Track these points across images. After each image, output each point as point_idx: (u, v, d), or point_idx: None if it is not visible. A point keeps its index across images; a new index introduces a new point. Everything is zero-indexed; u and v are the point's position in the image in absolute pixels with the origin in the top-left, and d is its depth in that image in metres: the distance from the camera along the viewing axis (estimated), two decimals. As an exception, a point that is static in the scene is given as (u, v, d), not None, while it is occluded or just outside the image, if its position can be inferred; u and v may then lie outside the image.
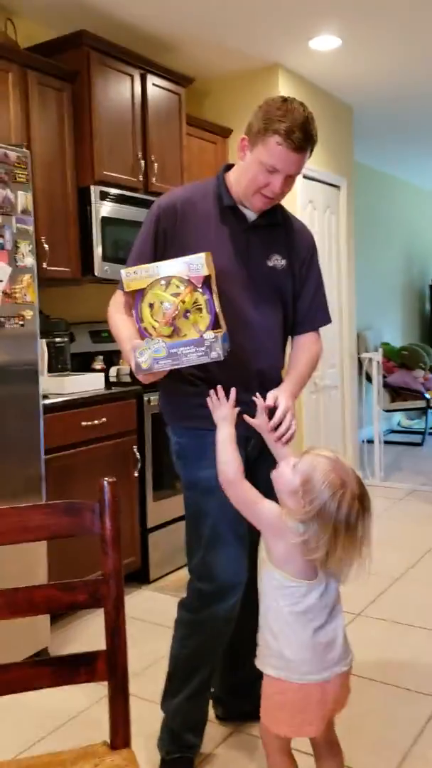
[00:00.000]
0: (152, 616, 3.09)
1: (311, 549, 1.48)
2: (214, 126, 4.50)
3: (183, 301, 1.71)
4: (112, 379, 3.75)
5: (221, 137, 4.58)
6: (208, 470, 1.77)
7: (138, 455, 3.38)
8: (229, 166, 2.07)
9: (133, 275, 1.75)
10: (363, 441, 5.73)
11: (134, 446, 3.37)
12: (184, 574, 3.53)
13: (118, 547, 1.35)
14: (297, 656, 1.57)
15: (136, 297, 1.76)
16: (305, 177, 4.70)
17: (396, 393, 6.55)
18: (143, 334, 1.76)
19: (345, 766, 1.73)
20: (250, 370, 1.95)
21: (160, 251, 1.93)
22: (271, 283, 2.01)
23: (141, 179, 3.74)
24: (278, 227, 2.05)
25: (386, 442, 5.81)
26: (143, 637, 2.90)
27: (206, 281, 1.72)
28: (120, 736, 1.33)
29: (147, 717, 2.32)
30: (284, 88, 4.46)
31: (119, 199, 3.60)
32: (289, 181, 1.93)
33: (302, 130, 1.85)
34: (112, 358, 3.93)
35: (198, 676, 2.02)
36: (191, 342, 1.71)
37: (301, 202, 4.65)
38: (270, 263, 2.02)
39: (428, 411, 6.52)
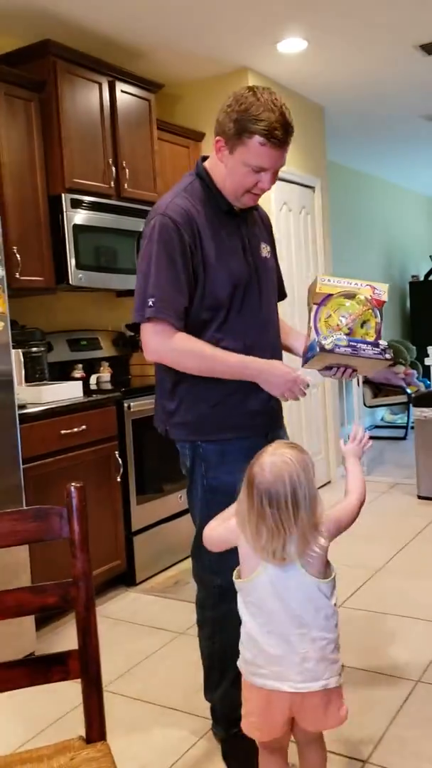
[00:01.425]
0: (139, 618, 3.13)
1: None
2: (186, 130, 4.55)
3: (362, 314, 1.94)
4: (93, 387, 3.79)
5: (194, 141, 4.62)
6: (231, 476, 1.73)
7: (120, 460, 3.41)
8: (204, 158, 2.04)
9: (327, 281, 1.97)
10: (347, 437, 5.78)
11: (116, 452, 3.40)
12: (170, 575, 3.59)
13: (86, 549, 1.38)
14: (247, 654, 1.63)
15: (322, 299, 1.96)
16: (279, 179, 4.73)
17: (378, 389, 6.62)
18: (317, 332, 1.97)
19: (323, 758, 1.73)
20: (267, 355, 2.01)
21: (190, 269, 1.89)
22: (270, 274, 2.09)
23: (113, 186, 3.78)
24: (251, 213, 2.10)
25: (370, 437, 5.86)
26: (130, 638, 2.94)
27: (381, 306, 1.95)
28: (95, 730, 1.37)
29: (131, 713, 2.37)
30: (254, 91, 4.50)
31: (93, 207, 3.64)
32: (276, 174, 1.94)
33: (282, 125, 1.83)
34: (93, 365, 3.97)
35: (234, 664, 2.08)
36: (368, 342, 1.92)
37: (276, 204, 4.70)
38: (263, 254, 2.07)
39: (410, 406, 6.59)
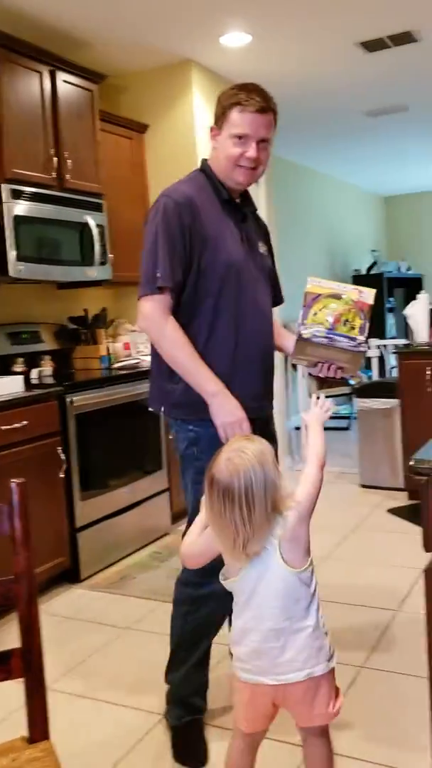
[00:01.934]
0: (84, 614, 3.10)
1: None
2: (129, 122, 4.50)
3: (346, 311, 2.03)
4: (34, 381, 3.72)
5: (137, 133, 4.58)
6: None
7: (63, 456, 3.37)
8: (205, 161, 2.17)
9: (316, 283, 2.05)
10: (294, 429, 5.84)
11: (59, 447, 3.36)
12: (116, 570, 3.57)
13: (28, 546, 1.36)
14: (235, 649, 1.63)
15: (311, 299, 2.04)
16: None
17: (322, 380, 6.70)
18: (304, 326, 2.06)
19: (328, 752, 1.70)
20: (263, 350, 2.14)
21: (188, 246, 2.00)
22: (265, 269, 2.20)
23: (55, 176, 3.71)
24: (254, 215, 2.24)
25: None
26: (74, 635, 2.91)
27: (366, 310, 2.03)
28: (38, 729, 1.36)
29: (75, 711, 2.35)
30: (198, 84, 4.49)
31: (34, 198, 3.56)
32: (263, 146, 2.04)
33: (258, 93, 2.00)
34: (34, 359, 3.90)
35: (202, 646, 2.16)
36: (345, 335, 2.03)
37: (219, 197, 4.69)
38: (260, 251, 2.20)
39: (353, 397, 6.70)
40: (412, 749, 2.02)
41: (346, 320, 2.03)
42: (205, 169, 2.14)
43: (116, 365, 4.26)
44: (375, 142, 6.94)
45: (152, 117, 4.61)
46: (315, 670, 1.57)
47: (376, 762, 1.99)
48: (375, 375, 6.54)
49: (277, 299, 2.33)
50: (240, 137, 2.00)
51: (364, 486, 4.84)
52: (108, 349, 4.33)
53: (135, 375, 3.92)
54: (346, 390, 6.53)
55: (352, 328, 2.03)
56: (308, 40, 4.24)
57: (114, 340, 4.51)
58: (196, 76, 4.49)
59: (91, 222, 3.89)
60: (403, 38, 4.27)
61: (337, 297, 2.05)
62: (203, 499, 1.55)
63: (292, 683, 1.56)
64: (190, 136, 4.51)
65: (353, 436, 6.53)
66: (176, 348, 1.99)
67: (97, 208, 3.98)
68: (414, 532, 3.82)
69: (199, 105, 4.52)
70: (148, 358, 4.40)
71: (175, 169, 4.52)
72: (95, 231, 3.90)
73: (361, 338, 2.03)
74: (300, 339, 2.04)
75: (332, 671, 1.62)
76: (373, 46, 4.37)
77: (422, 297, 4.57)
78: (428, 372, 4.28)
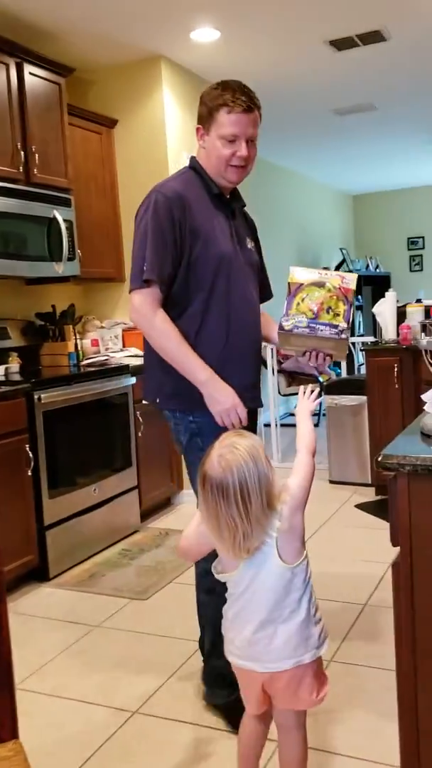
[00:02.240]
0: (53, 612, 3.07)
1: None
2: (98, 116, 4.47)
3: (329, 299, 2.06)
4: (1, 378, 3.68)
5: (106, 127, 4.55)
6: None
7: (30, 454, 3.34)
8: (194, 158, 2.19)
9: (300, 272, 2.10)
10: (262, 425, 5.86)
11: (26, 445, 3.32)
12: (85, 568, 3.55)
13: (-5, 544, 1.34)
14: (228, 634, 1.65)
15: (294, 289, 2.08)
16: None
17: (291, 377, 6.73)
18: (287, 317, 2.10)
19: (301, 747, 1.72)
20: (253, 342, 2.18)
21: (178, 239, 2.03)
22: (252, 264, 2.25)
23: (22, 171, 3.67)
24: (242, 211, 2.28)
25: (283, 425, 5.97)
26: (43, 633, 2.89)
27: (349, 296, 2.07)
28: (6, 729, 1.34)
29: (45, 710, 2.33)
30: (167, 79, 4.48)
31: (1, 192, 3.52)
32: (251, 145, 2.10)
33: (243, 93, 2.05)
34: (1, 356, 3.86)
35: None
36: (327, 324, 2.07)
37: (188, 193, 4.68)
38: (248, 246, 2.25)
39: (322, 393, 6.74)
40: (382, 741, 2.04)
41: (329, 308, 2.07)
42: (194, 166, 2.17)
43: (85, 362, 4.23)
44: (343, 140, 6.98)
45: (121, 112, 4.58)
46: (303, 658, 1.59)
47: (345, 754, 2.00)
48: (344, 372, 6.59)
49: (267, 294, 2.38)
50: (229, 138, 2.05)
51: (332, 482, 4.88)
52: (76, 346, 4.30)
53: (104, 372, 3.90)
54: (315, 387, 6.56)
55: (336, 314, 2.07)
56: (278, 37, 4.25)
57: (82, 337, 4.48)
58: (165, 72, 4.47)
59: (59, 217, 3.85)
60: (373, 37, 4.30)
61: (320, 285, 2.08)
62: (199, 494, 1.54)
63: (279, 672, 1.59)
64: (160, 131, 4.49)
65: (322, 432, 6.58)
66: (165, 339, 2.02)
67: (65, 203, 3.94)
68: (381, 527, 3.86)
69: (169, 100, 4.50)
70: (117, 355, 4.42)
71: (145, 164, 4.54)
72: (63, 226, 3.87)
73: (344, 325, 2.06)
74: (282, 330, 2.09)
75: (319, 659, 1.64)
76: (342, 44, 4.39)
77: (390, 295, 4.62)
78: (396, 369, 4.33)
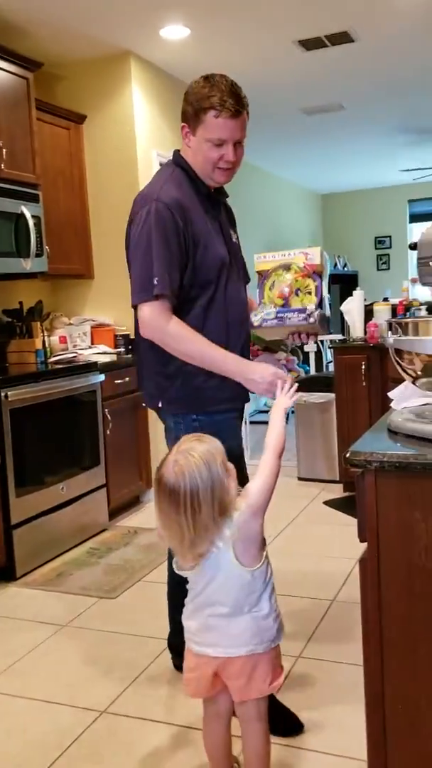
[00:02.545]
0: (19, 612, 3.04)
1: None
2: (67, 112, 4.43)
3: (296, 280, 2.05)
4: (-32, 374, 3.63)
5: (75, 123, 4.51)
6: (225, 443, 1.74)
7: (-2, 450, 3.30)
8: (177, 151, 2.15)
9: (263, 259, 2.10)
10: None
11: (-7, 442, 3.29)
12: (53, 567, 3.52)
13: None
14: (186, 622, 1.69)
15: (262, 277, 2.10)
16: (161, 165, 4.71)
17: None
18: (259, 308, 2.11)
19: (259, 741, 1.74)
20: (245, 338, 2.17)
21: (183, 247, 2.00)
22: (239, 258, 2.24)
23: (-11, 166, 3.63)
24: (223, 202, 2.27)
25: (253, 422, 5.98)
26: (10, 633, 2.86)
27: (317, 270, 2.05)
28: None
29: (10, 711, 2.31)
30: (137, 76, 4.45)
31: (-33, 187, 3.48)
32: (239, 146, 2.06)
33: (232, 96, 1.98)
34: (-32, 351, 3.81)
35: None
36: (295, 309, 2.05)
37: (157, 190, 4.66)
38: (234, 240, 2.24)
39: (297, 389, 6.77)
40: (348, 735, 2.06)
41: (298, 289, 2.07)
42: (181, 164, 2.11)
43: (52, 359, 4.19)
44: (312, 140, 7.02)
45: (90, 108, 4.55)
46: (257, 648, 1.63)
47: (313, 749, 2.02)
48: (312, 369, 6.63)
49: (246, 279, 2.38)
50: (216, 143, 2.01)
51: (301, 479, 4.91)
52: (44, 343, 4.26)
53: (71, 369, 3.87)
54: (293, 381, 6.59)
55: (308, 293, 2.06)
56: (247, 35, 4.25)
57: (50, 334, 4.44)
58: (135, 68, 4.45)
59: (27, 213, 3.81)
60: (341, 38, 4.33)
61: (286, 267, 2.08)
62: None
63: (233, 657, 1.62)
64: (129, 128, 4.46)
65: (291, 429, 6.62)
66: (184, 343, 2.00)
67: (33, 198, 3.90)
68: (349, 524, 3.89)
69: (138, 97, 4.48)
70: (86, 352, 4.38)
71: (114, 161, 4.51)
72: (31, 222, 3.83)
73: (311, 307, 2.05)
74: (252, 327, 2.11)
75: (276, 649, 1.67)
76: (311, 44, 4.41)
77: (357, 293, 4.66)
78: (363, 367, 4.37)
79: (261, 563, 1.62)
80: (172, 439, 2.19)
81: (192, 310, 2.06)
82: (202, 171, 2.09)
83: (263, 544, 1.64)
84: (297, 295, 2.07)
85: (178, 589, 1.92)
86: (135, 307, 2.05)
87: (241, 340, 2.15)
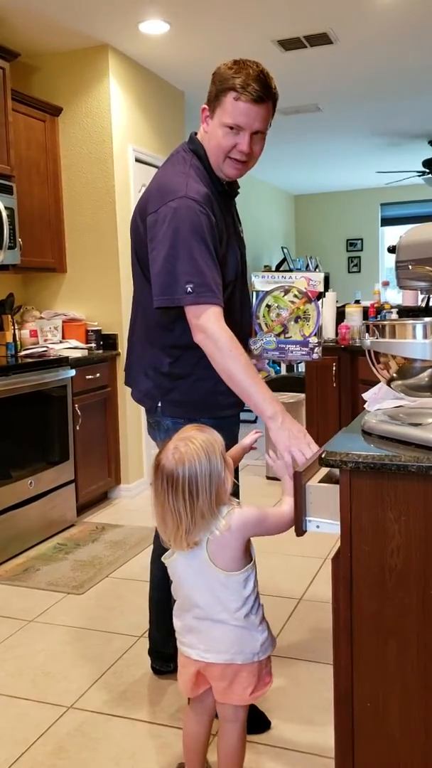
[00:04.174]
0: (-16, 608, 3.01)
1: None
2: (43, 103, 4.38)
3: (297, 308, 2.01)
4: None
5: (51, 115, 4.46)
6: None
7: (-34, 443, 3.26)
8: (195, 134, 2.01)
9: (261, 278, 2.03)
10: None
11: (-39, 434, 3.25)
12: (19, 562, 3.49)
13: None
14: (174, 620, 1.71)
15: (259, 295, 2.03)
16: (137, 161, 4.70)
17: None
18: (256, 328, 2.04)
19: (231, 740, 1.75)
20: (245, 339, 2.06)
21: (216, 243, 1.87)
22: (244, 254, 2.13)
23: (-37, 155, 3.57)
24: (234, 197, 2.12)
25: (243, 421, 6.00)
26: (-26, 629, 2.83)
27: (318, 297, 2.01)
28: None
29: (-22, 709, 2.29)
30: (114, 70, 4.43)
31: None
32: (256, 139, 1.89)
33: (258, 81, 1.81)
34: None
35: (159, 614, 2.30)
36: (297, 342, 2.02)
37: (134, 186, 4.65)
38: (242, 235, 2.14)
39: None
40: (315, 732, 2.08)
41: (298, 317, 2.02)
42: (197, 150, 1.96)
43: (23, 353, 4.15)
44: (287, 140, 7.05)
45: (66, 100, 4.51)
46: (235, 658, 1.62)
47: (282, 747, 2.03)
48: (283, 370, 6.67)
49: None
50: (232, 128, 1.85)
51: (269, 478, 4.93)
52: (14, 336, 4.22)
53: (42, 363, 3.83)
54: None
55: (306, 319, 2.01)
56: (226, 33, 4.25)
57: (21, 327, 4.40)
58: (113, 62, 4.42)
59: (0, 204, 3.77)
60: (320, 39, 4.35)
61: (285, 290, 2.03)
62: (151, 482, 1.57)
63: (212, 663, 1.63)
64: (106, 122, 4.43)
65: (260, 428, 6.65)
66: (232, 361, 1.81)
67: (6, 190, 3.85)
68: (317, 523, 3.92)
69: (115, 91, 4.45)
70: (57, 347, 4.34)
71: (89, 154, 4.48)
72: (4, 214, 3.78)
73: (314, 340, 2.00)
74: (251, 354, 2.01)
75: (260, 663, 1.65)
76: (289, 44, 4.43)
77: (329, 295, 4.69)
78: (334, 368, 4.40)
79: (241, 572, 1.59)
80: (162, 439, 2.15)
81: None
82: (213, 159, 1.94)
83: (241, 560, 1.60)
84: (296, 322, 2.01)
85: (163, 594, 1.91)
86: (161, 308, 1.89)
87: (245, 343, 2.07)
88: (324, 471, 1.57)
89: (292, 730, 2.10)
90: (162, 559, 1.68)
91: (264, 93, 1.83)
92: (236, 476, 1.96)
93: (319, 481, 1.52)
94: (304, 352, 2.02)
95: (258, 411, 1.80)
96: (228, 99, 1.83)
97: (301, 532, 1.48)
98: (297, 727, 2.12)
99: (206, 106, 1.92)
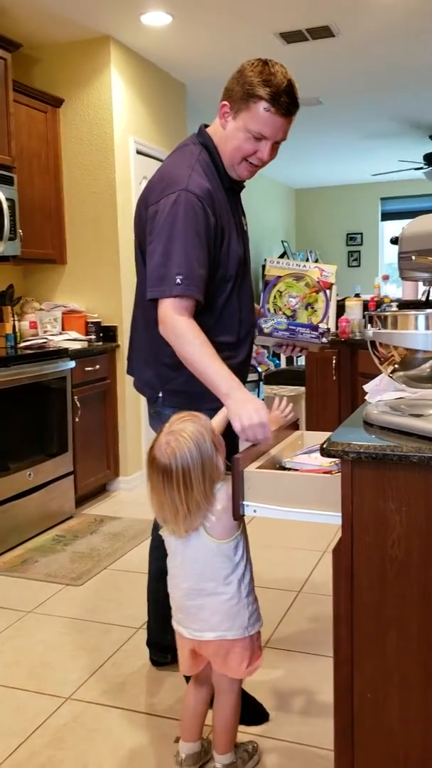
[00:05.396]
0: (-17, 599, 3.01)
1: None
2: (44, 95, 4.36)
3: (308, 295, 2.03)
4: None
5: (52, 107, 4.45)
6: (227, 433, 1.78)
7: (-35, 434, 3.25)
8: (206, 126, 2.00)
9: (275, 264, 2.07)
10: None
11: (-39, 425, 3.24)
12: (17, 554, 3.49)
13: None
14: (169, 589, 1.77)
15: (270, 281, 2.06)
16: (138, 152, 4.68)
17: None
18: (265, 313, 2.07)
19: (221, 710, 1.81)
20: (251, 338, 2.10)
21: (210, 240, 1.87)
22: (249, 253, 2.12)
23: (-37, 145, 3.56)
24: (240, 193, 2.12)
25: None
26: (-27, 620, 2.83)
27: (329, 287, 2.02)
28: None
29: (-24, 699, 2.29)
30: (116, 62, 4.40)
31: None
32: (275, 147, 1.92)
33: (288, 94, 1.83)
34: None
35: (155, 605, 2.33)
36: (308, 325, 2.04)
37: (135, 178, 4.63)
38: (245, 228, 2.12)
39: (260, 383, 6.80)
40: (315, 725, 2.08)
41: (308, 304, 2.04)
42: (208, 145, 1.96)
43: (22, 344, 4.15)
44: (288, 134, 7.01)
45: (67, 92, 4.49)
46: (226, 634, 1.68)
47: (281, 739, 2.03)
48: (282, 363, 6.67)
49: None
50: (256, 136, 1.87)
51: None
52: (14, 328, 4.21)
53: (41, 355, 3.83)
54: (254, 377, 6.62)
55: (314, 310, 2.03)
56: (228, 25, 4.23)
57: (20, 319, 4.39)
58: (114, 54, 4.40)
59: (1, 195, 3.75)
60: (322, 32, 4.33)
61: (298, 277, 2.04)
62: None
63: (206, 641, 1.69)
64: (107, 113, 4.42)
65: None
66: (184, 344, 1.80)
67: (7, 181, 3.84)
68: (316, 517, 3.92)
69: (116, 83, 4.43)
70: (56, 338, 4.34)
71: (90, 146, 4.46)
72: (5, 205, 3.77)
73: (324, 326, 2.03)
74: (261, 333, 2.06)
75: (251, 637, 1.71)
76: (291, 37, 4.41)
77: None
78: (334, 361, 4.40)
79: (231, 538, 1.65)
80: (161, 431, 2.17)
81: (208, 306, 1.94)
82: (228, 159, 1.94)
83: (238, 525, 1.67)
84: (306, 309, 2.04)
85: (161, 585, 1.92)
86: (153, 300, 1.88)
87: (250, 338, 2.09)
88: (267, 456, 1.67)
89: (291, 722, 2.11)
90: (160, 532, 1.72)
91: (293, 106, 1.87)
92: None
93: (259, 467, 1.59)
94: (314, 336, 2.04)
95: (213, 388, 1.76)
96: (258, 108, 1.84)
97: (238, 516, 1.58)
98: (296, 719, 2.12)
99: (228, 104, 1.90)
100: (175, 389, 2.02)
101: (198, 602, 1.68)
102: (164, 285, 1.82)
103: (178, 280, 1.80)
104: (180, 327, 1.80)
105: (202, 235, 1.84)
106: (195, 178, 1.88)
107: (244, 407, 1.70)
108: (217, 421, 1.78)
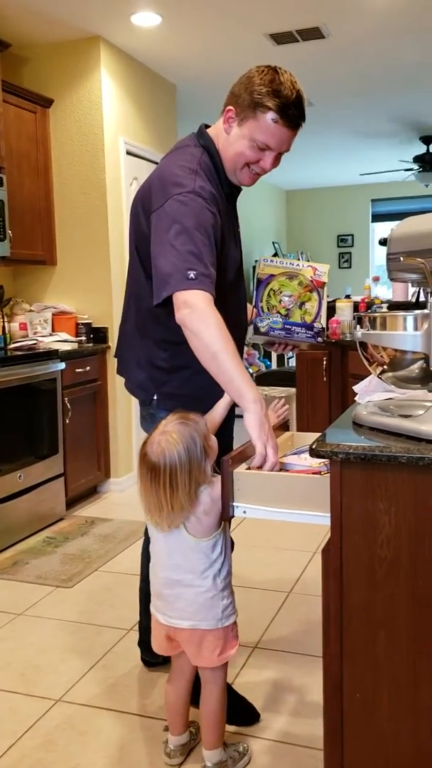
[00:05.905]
0: (-27, 601, 3.00)
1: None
2: (34, 95, 4.35)
3: (302, 294, 2.04)
4: None
5: (42, 107, 4.43)
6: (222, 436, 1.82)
7: None
8: (206, 126, 1.97)
9: (268, 263, 2.07)
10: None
11: None
12: (8, 556, 3.47)
13: None
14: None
15: (264, 280, 2.06)
16: (128, 153, 4.68)
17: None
18: (259, 312, 2.07)
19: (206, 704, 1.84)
20: (243, 332, 2.09)
21: (218, 242, 1.83)
22: (242, 255, 2.11)
23: None
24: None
25: (239, 416, 6.00)
26: (-37, 622, 2.82)
27: (322, 286, 2.04)
28: None
29: (-34, 702, 2.28)
30: (106, 62, 4.40)
31: None
32: (279, 157, 1.90)
33: (297, 107, 1.81)
34: None
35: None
36: (303, 324, 2.04)
37: (125, 179, 4.63)
38: (239, 235, 2.11)
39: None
40: (305, 725, 2.08)
41: (302, 303, 2.05)
42: (209, 148, 1.92)
43: (12, 346, 4.13)
44: (279, 135, 7.03)
45: (57, 92, 4.48)
46: (200, 624, 1.73)
47: (271, 739, 2.03)
48: (273, 364, 6.67)
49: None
50: (261, 146, 1.85)
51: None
52: (3, 329, 4.20)
53: (31, 356, 3.82)
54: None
55: (307, 309, 2.03)
56: (218, 26, 4.24)
57: (10, 320, 4.37)
58: (104, 54, 4.39)
59: (-10, 196, 3.74)
60: (312, 33, 4.34)
61: (291, 276, 2.05)
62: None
63: (180, 628, 1.75)
64: (97, 113, 4.41)
65: (250, 424, 6.64)
66: (209, 330, 1.71)
67: (-4, 181, 3.83)
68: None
69: (106, 83, 4.42)
70: (46, 339, 4.32)
71: (80, 146, 4.46)
72: (-6, 205, 3.76)
73: (318, 325, 2.04)
74: (257, 332, 2.07)
75: (225, 628, 1.76)
76: (281, 38, 4.42)
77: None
78: (325, 362, 4.40)
79: (210, 537, 1.70)
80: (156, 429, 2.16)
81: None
82: (230, 164, 1.92)
83: (217, 525, 1.70)
84: (300, 308, 2.04)
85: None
86: (163, 301, 1.78)
87: (241, 344, 2.06)
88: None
89: (281, 722, 2.11)
90: (144, 519, 1.76)
91: (301, 119, 1.85)
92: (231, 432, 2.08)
93: (247, 468, 1.63)
94: (309, 335, 2.05)
95: (238, 394, 1.71)
96: (265, 118, 1.81)
97: (228, 516, 1.61)
98: (286, 719, 2.12)
99: (233, 109, 1.87)
100: (169, 392, 2.00)
101: (175, 591, 1.74)
102: (180, 281, 1.74)
103: (192, 275, 1.73)
104: (213, 318, 1.70)
105: (211, 234, 1.81)
106: (200, 180, 1.85)
107: (263, 428, 1.67)
108: (219, 410, 1.84)
